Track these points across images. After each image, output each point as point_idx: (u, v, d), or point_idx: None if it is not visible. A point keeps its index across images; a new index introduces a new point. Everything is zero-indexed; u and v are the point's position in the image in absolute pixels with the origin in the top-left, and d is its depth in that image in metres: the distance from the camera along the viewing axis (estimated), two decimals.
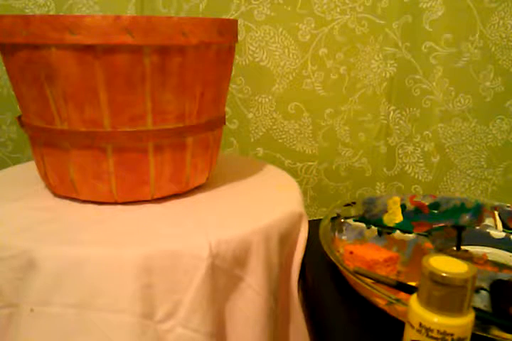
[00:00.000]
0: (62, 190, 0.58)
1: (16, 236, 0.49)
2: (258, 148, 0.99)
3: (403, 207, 0.77)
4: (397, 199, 0.77)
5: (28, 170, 0.68)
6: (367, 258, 0.61)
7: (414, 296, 0.39)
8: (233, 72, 0.68)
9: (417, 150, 1.01)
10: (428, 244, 0.65)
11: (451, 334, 0.36)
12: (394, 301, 0.48)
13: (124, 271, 0.45)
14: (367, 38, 0.94)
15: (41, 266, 0.45)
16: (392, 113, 0.99)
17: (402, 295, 0.51)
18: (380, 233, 0.69)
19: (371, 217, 0.75)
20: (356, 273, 0.54)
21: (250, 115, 0.96)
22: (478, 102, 0.98)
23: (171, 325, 0.47)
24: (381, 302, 0.52)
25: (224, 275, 0.49)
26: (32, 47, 0.49)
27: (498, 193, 1.03)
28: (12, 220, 0.52)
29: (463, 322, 0.36)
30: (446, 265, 0.37)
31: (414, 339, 0.38)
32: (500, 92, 0.97)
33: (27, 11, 0.85)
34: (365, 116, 1.00)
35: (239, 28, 0.78)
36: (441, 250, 0.67)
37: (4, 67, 0.56)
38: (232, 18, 0.90)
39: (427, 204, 0.77)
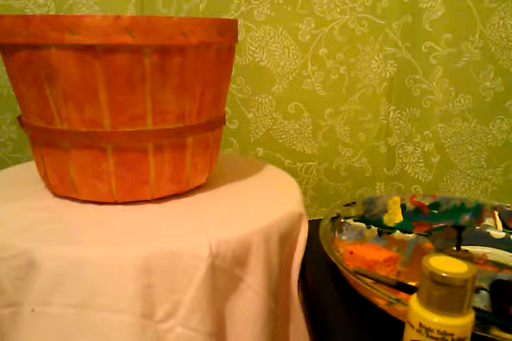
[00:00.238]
0: (62, 190, 0.58)
1: (16, 236, 0.49)
2: (258, 148, 0.99)
3: (403, 207, 0.77)
4: (397, 199, 0.77)
5: (28, 170, 0.68)
6: (367, 258, 0.61)
7: (414, 296, 0.39)
8: (233, 72, 0.68)
9: (417, 150, 1.01)
10: (428, 244, 0.65)
11: (451, 334, 0.36)
12: (394, 301, 0.48)
13: (124, 271, 0.45)
14: (367, 38, 0.94)
15: (41, 266, 0.45)
16: (392, 113, 0.99)
17: (402, 295, 0.51)
18: (380, 233, 0.69)
19: (371, 217, 0.75)
20: (356, 273, 0.54)
21: (250, 115, 0.96)
22: (478, 102, 0.98)
23: (170, 324, 0.47)
24: (381, 302, 0.52)
25: (224, 275, 0.49)
26: (32, 47, 0.49)
27: (498, 193, 1.03)
28: (12, 220, 0.52)
29: (463, 322, 0.36)
30: (446, 265, 0.37)
31: (414, 339, 0.38)
32: (500, 92, 0.97)
33: (27, 11, 0.85)
34: (365, 116, 1.00)
35: (239, 28, 0.78)
36: (441, 250, 0.67)
37: (4, 67, 0.56)
38: (232, 18, 0.90)
39: (427, 204, 0.77)
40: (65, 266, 0.45)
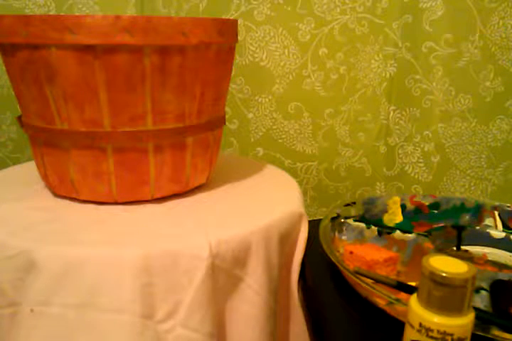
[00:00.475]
0: (62, 190, 0.58)
1: (16, 236, 0.49)
2: (258, 148, 0.99)
3: (403, 207, 0.77)
4: (397, 199, 0.77)
5: (28, 170, 0.68)
6: (367, 258, 0.61)
7: (414, 296, 0.39)
8: (233, 72, 0.68)
9: (417, 150, 1.01)
10: (428, 244, 0.65)
11: (451, 334, 0.36)
12: (394, 301, 0.48)
13: (124, 271, 0.45)
14: (367, 38, 0.94)
15: (41, 266, 0.45)
16: (392, 113, 0.99)
17: (402, 295, 0.51)
18: (380, 233, 0.69)
19: (371, 217, 0.75)
20: (356, 273, 0.54)
21: (250, 115, 0.96)
22: (478, 102, 0.98)
23: (170, 324, 0.47)
24: (381, 302, 0.52)
25: (224, 275, 0.49)
26: (32, 47, 0.49)
27: (498, 193, 1.03)
28: (12, 220, 0.52)
29: (463, 322, 0.36)
30: (446, 265, 0.37)
31: (414, 339, 0.38)
32: (500, 92, 0.97)
33: (27, 11, 0.85)
34: (365, 116, 1.00)
35: (239, 28, 0.78)
36: (441, 250, 0.67)
37: (4, 67, 0.56)
38: (232, 18, 0.90)
39: (427, 204, 0.77)
40: (65, 266, 0.45)
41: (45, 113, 0.53)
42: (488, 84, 0.97)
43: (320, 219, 0.68)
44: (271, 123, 0.97)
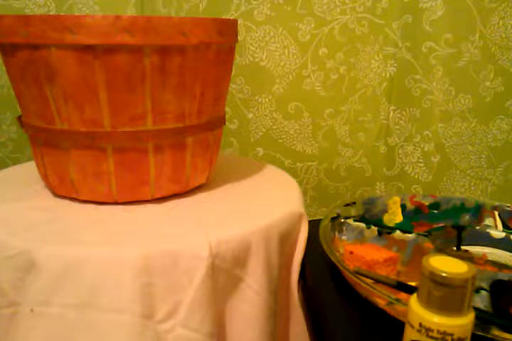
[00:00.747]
0: (62, 190, 0.58)
1: (16, 236, 0.49)
2: (258, 148, 0.99)
3: (403, 207, 0.77)
4: (397, 199, 0.77)
5: (28, 170, 0.68)
6: (367, 258, 0.61)
7: (414, 296, 0.39)
8: (233, 72, 0.68)
9: (417, 150, 1.01)
10: (428, 244, 0.65)
11: (451, 334, 0.36)
12: (394, 301, 0.48)
13: (124, 271, 0.45)
14: (367, 37, 0.94)
15: (41, 266, 0.45)
16: (392, 113, 0.99)
17: (402, 295, 0.51)
18: (380, 233, 0.69)
19: (371, 217, 0.75)
20: (356, 273, 0.54)
21: (250, 115, 0.96)
22: (478, 102, 0.98)
23: (171, 324, 0.47)
24: (381, 302, 0.52)
25: (224, 275, 0.49)
26: (32, 47, 0.49)
27: (498, 193, 1.03)
28: (12, 220, 0.52)
29: (463, 322, 0.36)
30: (446, 265, 0.37)
31: (414, 339, 0.38)
32: (500, 92, 0.97)
33: (27, 11, 0.85)
34: (365, 116, 1.00)
35: (239, 28, 0.78)
36: (441, 250, 0.67)
37: (4, 67, 0.56)
38: (232, 18, 0.90)
39: (427, 204, 0.77)
40: (65, 266, 0.45)
41: (45, 113, 0.53)
42: (488, 84, 0.97)
43: (320, 219, 0.68)
44: (271, 123, 0.97)
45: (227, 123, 0.76)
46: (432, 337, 0.37)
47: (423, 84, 0.96)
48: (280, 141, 0.99)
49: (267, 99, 0.95)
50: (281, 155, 1.00)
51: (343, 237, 0.70)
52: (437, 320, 0.36)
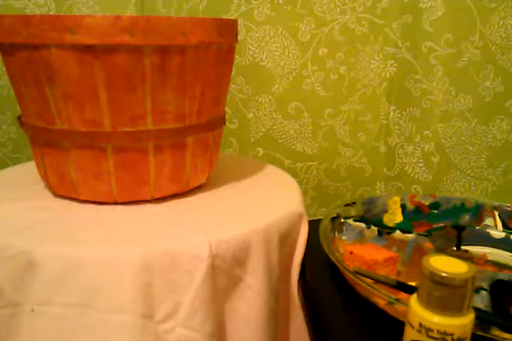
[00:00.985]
0: (62, 190, 0.58)
1: (16, 236, 0.49)
2: (258, 148, 0.99)
3: (403, 207, 0.77)
4: (397, 199, 0.77)
5: (28, 170, 0.68)
6: (367, 258, 0.61)
7: (414, 296, 0.39)
8: (233, 72, 0.68)
9: (417, 150, 1.01)
10: (428, 244, 0.65)
11: (451, 334, 0.36)
12: (394, 301, 0.48)
13: (124, 271, 0.45)
14: (367, 37, 0.94)
15: (41, 266, 0.45)
16: (392, 113, 0.99)
17: (402, 295, 0.51)
18: (380, 233, 0.69)
19: (371, 217, 0.75)
20: (356, 273, 0.54)
21: (250, 115, 0.96)
22: (478, 102, 0.98)
23: (171, 325, 0.47)
24: (381, 302, 0.52)
25: (224, 275, 0.49)
26: (32, 47, 0.49)
27: (498, 193, 1.03)
28: (12, 220, 0.52)
29: (463, 322, 0.36)
30: (446, 265, 0.37)
31: (414, 339, 0.38)
32: (500, 92, 0.97)
33: (27, 11, 0.85)
34: (365, 116, 1.00)
35: (239, 28, 0.78)
36: (441, 250, 0.67)
37: (4, 67, 0.56)
38: (232, 18, 0.90)
39: (427, 204, 0.77)
40: (65, 266, 0.45)
41: (45, 113, 0.53)
42: (488, 84, 0.97)
43: (320, 219, 0.68)
44: (271, 123, 0.97)
45: (227, 123, 0.76)
46: (431, 337, 0.37)
47: (423, 84, 0.96)
48: (280, 141, 0.99)
49: (267, 99, 0.95)
50: (281, 155, 1.00)
51: (343, 237, 0.70)
52: (437, 320, 0.36)
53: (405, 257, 0.65)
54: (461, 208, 0.77)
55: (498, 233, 0.72)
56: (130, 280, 0.45)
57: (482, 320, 0.47)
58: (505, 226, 0.74)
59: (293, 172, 0.98)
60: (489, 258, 0.68)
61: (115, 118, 0.52)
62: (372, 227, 0.69)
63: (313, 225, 0.64)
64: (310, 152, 1.00)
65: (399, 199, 0.77)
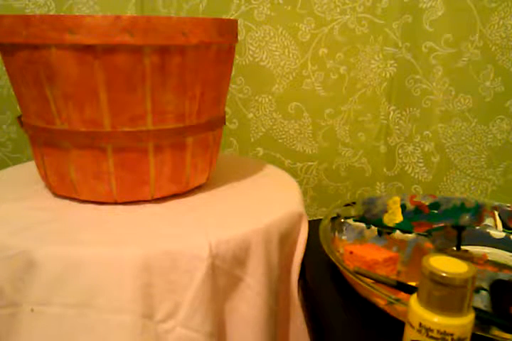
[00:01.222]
0: (62, 190, 0.58)
1: (16, 236, 0.49)
2: (258, 148, 0.99)
3: (403, 207, 0.77)
4: (397, 199, 0.77)
5: (28, 170, 0.68)
6: (367, 258, 0.61)
7: (414, 296, 0.39)
8: (233, 72, 0.68)
9: (417, 150, 1.01)
10: (428, 244, 0.65)
11: (451, 334, 0.36)
12: (394, 301, 0.48)
13: (124, 271, 0.45)
14: (367, 37, 0.94)
15: (41, 266, 0.45)
16: (392, 113, 0.99)
17: (402, 295, 0.51)
18: (380, 233, 0.69)
19: (371, 217, 0.75)
20: (356, 273, 0.54)
21: (250, 115, 0.96)
22: (478, 102, 0.98)
23: (171, 325, 0.47)
24: (381, 302, 0.52)
25: (224, 275, 0.49)
26: (32, 47, 0.49)
27: (498, 193, 1.03)
28: (12, 220, 0.52)
29: (463, 322, 0.36)
30: (446, 265, 0.37)
31: (414, 339, 0.38)
32: (500, 92, 0.97)
33: (27, 11, 0.85)
34: (365, 116, 1.00)
35: (239, 28, 0.78)
36: (441, 250, 0.67)
37: (4, 67, 0.56)
38: (232, 18, 0.90)
39: (427, 204, 0.77)
40: (65, 266, 0.45)
41: (45, 113, 0.53)
42: (488, 84, 0.97)
43: (320, 219, 0.68)
44: (271, 123, 0.97)
45: (227, 123, 0.76)
46: (431, 337, 0.37)
47: (423, 84, 0.96)
48: (280, 141, 0.99)
49: (267, 99, 0.95)
50: (281, 155, 1.00)
51: (343, 237, 0.70)
52: (437, 320, 0.36)
53: (405, 257, 0.65)
54: (461, 208, 0.77)
55: (498, 233, 0.72)
56: (130, 280, 0.45)
57: (482, 320, 0.47)
58: (505, 226, 0.74)
59: (293, 172, 0.98)
60: (489, 258, 0.68)
61: (115, 118, 0.52)
62: (372, 227, 0.69)
63: (313, 225, 0.64)
64: (310, 152, 1.00)
65: (399, 199, 0.77)
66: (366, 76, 0.97)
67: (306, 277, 0.63)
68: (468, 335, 0.37)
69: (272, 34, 0.91)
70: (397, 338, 0.41)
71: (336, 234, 0.69)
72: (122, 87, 0.50)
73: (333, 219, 0.70)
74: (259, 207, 0.59)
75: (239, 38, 0.75)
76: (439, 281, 0.36)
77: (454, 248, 0.71)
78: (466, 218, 0.76)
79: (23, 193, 0.61)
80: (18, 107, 0.58)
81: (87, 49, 0.48)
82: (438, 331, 0.36)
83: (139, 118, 0.52)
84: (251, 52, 0.92)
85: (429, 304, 0.37)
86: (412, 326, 0.38)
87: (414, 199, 0.78)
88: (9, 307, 0.47)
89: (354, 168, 1.03)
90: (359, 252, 0.62)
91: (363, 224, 0.70)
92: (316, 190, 1.03)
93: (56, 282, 0.45)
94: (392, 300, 0.48)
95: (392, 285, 0.53)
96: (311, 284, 0.61)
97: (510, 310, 0.52)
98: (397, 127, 1.00)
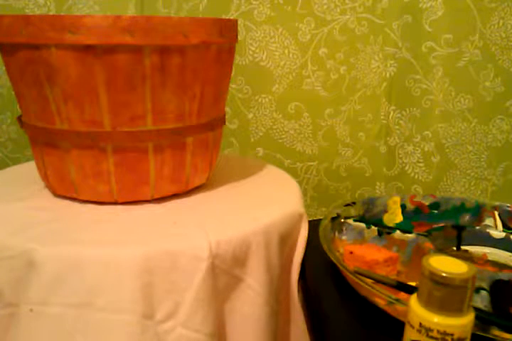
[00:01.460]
0: (62, 190, 0.58)
1: (16, 236, 0.49)
2: (258, 148, 0.99)
3: (403, 207, 0.77)
4: (397, 199, 0.77)
5: (28, 170, 0.68)
6: (367, 258, 0.61)
7: (414, 296, 0.39)
8: (233, 72, 0.68)
9: (417, 150, 1.01)
10: (428, 244, 0.65)
11: (451, 334, 0.36)
12: (394, 301, 0.48)
13: (124, 271, 0.45)
14: (367, 38, 0.94)
15: (41, 266, 0.45)
16: (392, 113, 0.99)
17: (402, 295, 0.51)
18: (380, 233, 0.69)
19: (371, 217, 0.75)
20: (356, 273, 0.54)
21: (250, 115, 0.96)
22: (478, 102, 0.98)
23: (171, 325, 0.47)
24: (381, 302, 0.52)
25: (224, 275, 0.49)
26: (32, 47, 0.49)
27: (498, 193, 1.03)
28: (12, 220, 0.52)
29: (463, 322, 0.36)
30: (446, 265, 0.36)
31: (414, 339, 0.38)
32: (500, 92, 0.97)
33: (27, 11, 0.85)
34: (365, 116, 1.00)
35: (239, 28, 0.78)
36: (441, 250, 0.67)
37: (4, 67, 0.56)
38: (232, 18, 0.90)
39: (427, 204, 0.77)
40: (65, 265, 0.45)
41: (45, 113, 0.53)
42: (488, 84, 0.97)
43: (320, 219, 0.68)
44: (271, 123, 0.97)
45: (227, 123, 0.76)
46: (432, 337, 0.37)
47: (423, 84, 0.96)
48: (280, 141, 0.99)
49: (267, 99, 0.95)
50: (281, 155, 1.00)
51: (343, 237, 0.70)
52: (437, 320, 0.36)
53: (405, 257, 0.65)
54: (461, 208, 0.77)
55: (498, 233, 0.72)
56: (130, 281, 0.45)
57: (482, 320, 0.47)
58: (505, 226, 0.74)
59: (293, 172, 0.98)
60: (489, 258, 0.68)
61: (115, 118, 0.52)
62: (372, 227, 0.69)
63: (313, 225, 0.64)
64: (310, 152, 1.00)
65: (399, 199, 0.77)
66: (366, 76, 0.97)
67: (306, 277, 0.63)
68: (468, 335, 0.37)
69: (272, 34, 0.91)
70: (397, 338, 0.41)
71: (336, 234, 0.69)
72: (122, 87, 0.50)
73: (333, 219, 0.70)
74: (259, 207, 0.59)
75: (239, 38, 0.75)
76: (439, 281, 0.36)
77: (454, 248, 0.71)
78: (466, 218, 0.76)
79: (23, 193, 0.61)
80: (18, 107, 0.58)
81: (87, 49, 0.48)
82: (438, 331, 0.36)
83: (139, 118, 0.52)
84: (251, 52, 0.92)
85: (429, 304, 0.37)
86: (412, 326, 0.38)
87: (414, 199, 0.78)
88: (9, 308, 0.47)
89: (354, 168, 1.03)
90: (359, 252, 0.62)
91: (363, 224, 0.70)
92: (316, 190, 1.03)
93: (56, 282, 0.45)
94: (392, 300, 0.48)
95: (392, 285, 0.53)
96: (311, 284, 0.61)
97: (510, 310, 0.52)
98: (397, 127, 1.00)
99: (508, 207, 0.75)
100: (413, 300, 0.39)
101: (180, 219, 0.54)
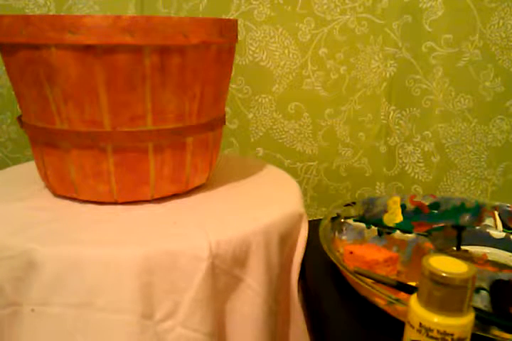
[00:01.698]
0: (62, 190, 0.58)
1: (16, 236, 0.49)
2: (258, 148, 0.99)
3: (403, 207, 0.77)
4: (397, 199, 0.77)
5: (28, 170, 0.68)
6: (367, 258, 0.61)
7: (414, 296, 0.39)
8: (233, 72, 0.68)
9: (417, 150, 1.01)
10: (428, 244, 0.65)
11: (451, 334, 0.36)
12: (394, 301, 0.48)
13: (124, 271, 0.45)
14: (367, 38, 0.94)
15: (41, 266, 0.45)
16: (392, 113, 0.99)
17: (402, 295, 0.51)
18: (380, 233, 0.69)
19: (371, 217, 0.75)
20: (356, 273, 0.54)
21: (250, 115, 0.96)
22: (478, 102, 0.98)
23: (170, 325, 0.47)
24: (381, 302, 0.52)
25: (224, 275, 0.49)
26: (32, 47, 0.49)
27: (498, 193, 1.03)
28: (12, 220, 0.52)
29: (463, 322, 0.36)
30: (446, 265, 0.36)
31: (414, 339, 0.38)
32: (500, 92, 0.97)
33: (27, 11, 0.85)
34: (365, 116, 1.00)
35: (239, 28, 0.78)
36: (441, 250, 0.67)
37: (4, 67, 0.56)
38: (232, 18, 0.90)
39: (427, 204, 0.77)
40: (65, 265, 0.45)
41: (45, 113, 0.53)
42: (488, 84, 0.97)
43: (320, 219, 0.68)
44: (271, 123, 0.97)
45: (227, 123, 0.76)
46: (432, 337, 0.37)
47: (423, 84, 0.96)
48: (280, 141, 0.99)
49: (267, 99, 0.95)
50: (281, 155, 1.00)
51: (343, 237, 0.70)
52: (437, 320, 0.36)
53: (405, 257, 0.65)
54: (461, 208, 0.77)
55: (498, 233, 0.72)
56: (130, 280, 0.45)
57: (482, 320, 0.47)
58: (505, 226, 0.74)
59: (293, 172, 0.98)
60: (489, 258, 0.68)
61: (115, 118, 0.52)
62: (372, 227, 0.69)
63: (313, 225, 0.64)
64: (310, 152, 1.00)
65: (399, 199, 0.77)
66: (366, 76, 0.97)
67: (306, 277, 0.63)
68: (468, 335, 0.37)
69: (272, 34, 0.91)
70: (397, 338, 0.41)
71: (336, 234, 0.69)
72: (122, 87, 0.50)
73: (333, 219, 0.70)
74: (259, 207, 0.59)
75: (239, 38, 0.75)
76: (439, 281, 0.36)
77: (454, 248, 0.71)
78: (466, 218, 0.76)
79: (23, 193, 0.61)
80: (18, 107, 0.58)
81: (87, 49, 0.48)
82: (438, 331, 0.36)
83: (139, 118, 0.52)
84: (251, 52, 0.92)
85: (429, 304, 0.37)
86: (412, 326, 0.38)
87: (414, 199, 0.78)
88: (9, 307, 0.47)
89: (354, 168, 1.03)
90: (359, 252, 0.62)
91: (363, 224, 0.70)
92: (316, 190, 1.03)
93: (56, 282, 0.45)
94: (392, 300, 0.48)
95: (392, 285, 0.53)
96: (311, 284, 0.61)
97: (510, 310, 0.52)
98: (397, 127, 1.00)
99: (508, 207, 0.75)
100: (413, 300, 0.39)
101: (180, 219, 0.54)
